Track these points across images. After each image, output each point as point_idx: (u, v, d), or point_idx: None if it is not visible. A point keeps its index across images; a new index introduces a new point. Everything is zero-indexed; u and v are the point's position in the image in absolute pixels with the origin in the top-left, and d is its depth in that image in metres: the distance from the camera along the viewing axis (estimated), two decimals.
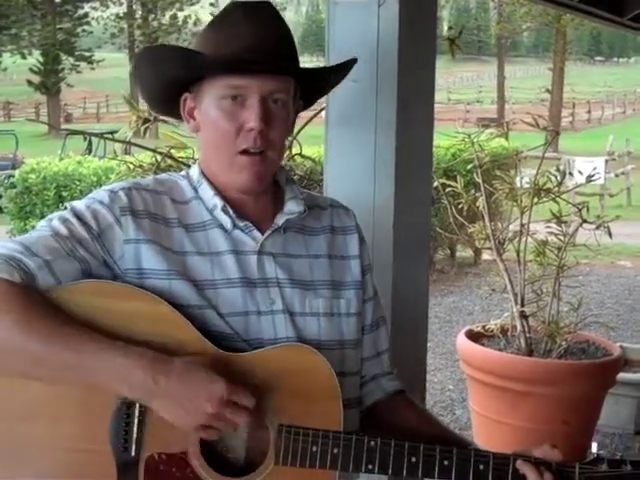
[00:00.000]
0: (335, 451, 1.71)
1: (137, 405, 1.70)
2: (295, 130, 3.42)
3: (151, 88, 1.95)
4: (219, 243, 1.85)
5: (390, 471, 1.72)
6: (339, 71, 1.99)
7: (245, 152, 1.82)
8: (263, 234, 1.88)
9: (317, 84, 1.98)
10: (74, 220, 1.78)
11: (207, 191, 1.88)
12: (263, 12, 1.86)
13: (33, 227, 1.87)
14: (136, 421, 1.70)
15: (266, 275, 1.86)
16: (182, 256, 1.82)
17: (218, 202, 1.86)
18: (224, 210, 1.85)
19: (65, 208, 1.84)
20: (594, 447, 1.70)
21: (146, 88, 1.95)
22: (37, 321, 1.65)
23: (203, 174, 1.91)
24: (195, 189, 1.91)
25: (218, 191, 1.88)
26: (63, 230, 1.76)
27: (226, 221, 1.86)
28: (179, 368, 1.65)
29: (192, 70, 1.83)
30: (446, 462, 1.72)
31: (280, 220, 1.90)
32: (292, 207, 1.92)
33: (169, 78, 1.87)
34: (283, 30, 1.88)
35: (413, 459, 1.72)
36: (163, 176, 2.00)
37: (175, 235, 1.84)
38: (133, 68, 1.93)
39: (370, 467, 1.72)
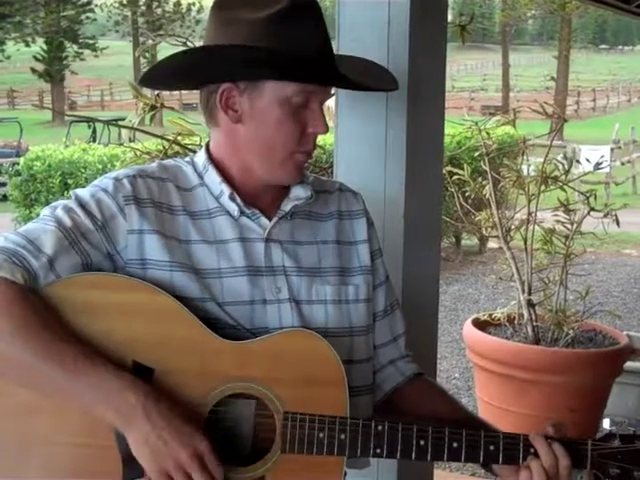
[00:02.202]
0: (342, 437, 1.70)
1: None
2: None
3: (181, 74, 1.85)
4: (225, 231, 1.84)
5: (399, 455, 1.71)
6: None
7: (300, 152, 1.83)
8: (270, 220, 1.87)
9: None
10: (78, 210, 1.77)
11: (214, 178, 1.86)
12: (314, 9, 1.80)
13: (38, 215, 1.85)
14: None
15: (273, 263, 1.85)
16: (187, 245, 1.81)
17: (225, 189, 1.84)
18: (231, 197, 1.84)
19: (69, 197, 1.82)
20: (606, 423, 1.68)
21: (171, 73, 1.85)
22: (35, 332, 1.64)
23: (211, 159, 1.88)
24: (200, 176, 1.88)
25: (225, 178, 1.86)
26: (67, 221, 1.75)
27: (233, 208, 1.84)
28: (172, 411, 1.63)
29: (261, 70, 1.76)
30: (455, 444, 1.71)
31: (287, 206, 1.89)
32: (298, 192, 1.90)
33: (221, 75, 1.79)
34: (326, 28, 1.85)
35: (422, 442, 1.71)
36: (168, 162, 1.97)
37: (180, 223, 1.82)
38: (180, 57, 1.79)
39: (378, 452, 1.71)
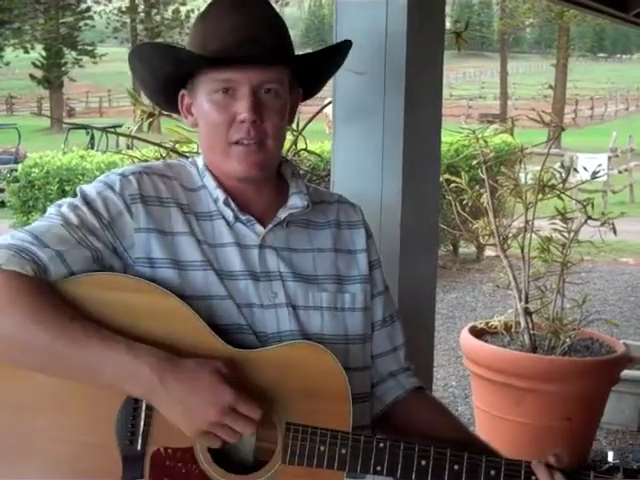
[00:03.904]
0: (343, 452, 1.70)
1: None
2: (300, 126, 3.41)
3: (149, 86, 1.95)
4: (224, 235, 1.85)
5: (399, 474, 1.70)
6: (331, 55, 1.96)
7: (238, 143, 1.81)
8: (265, 228, 1.87)
9: (314, 71, 1.95)
10: (84, 208, 1.77)
11: (210, 182, 1.89)
12: (250, 1, 1.85)
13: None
14: (143, 415, 1.69)
15: (268, 269, 1.86)
16: (197, 241, 1.82)
17: (220, 195, 1.86)
18: (226, 203, 1.85)
19: (75, 194, 1.82)
20: (610, 456, 1.65)
21: (144, 86, 1.96)
22: (46, 316, 1.64)
23: (206, 166, 1.91)
24: (202, 178, 1.91)
25: (220, 183, 1.88)
26: (73, 218, 1.75)
27: (228, 214, 1.86)
28: (187, 370, 1.63)
29: (180, 67, 1.83)
30: (456, 467, 1.70)
31: (282, 214, 1.90)
32: (295, 202, 1.92)
33: (162, 75, 1.87)
34: (270, 17, 1.86)
35: (423, 462, 1.70)
36: (173, 161, 2.01)
37: (187, 220, 1.84)
38: (129, 67, 1.92)
39: (379, 469, 1.71)
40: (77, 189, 1.84)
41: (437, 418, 1.98)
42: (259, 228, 1.87)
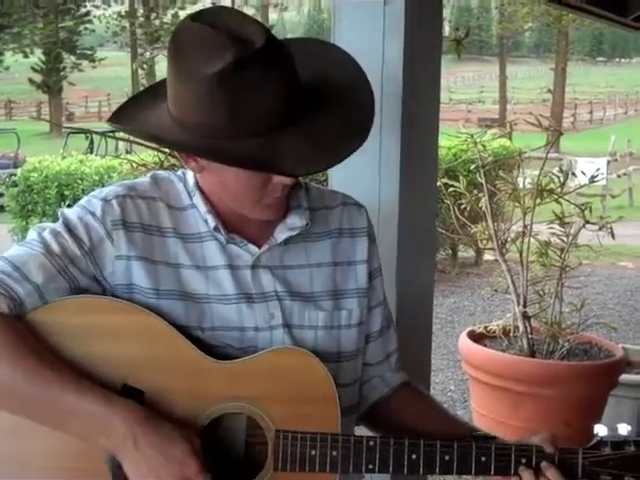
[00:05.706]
0: (334, 454, 1.70)
1: None
2: None
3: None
4: (215, 257, 1.80)
5: (391, 470, 1.71)
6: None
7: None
8: (260, 247, 1.82)
9: None
10: (66, 234, 1.75)
11: (201, 205, 1.81)
12: (263, 58, 1.62)
13: (35, 225, 1.85)
14: None
15: (264, 289, 1.81)
16: (176, 269, 1.78)
17: (210, 221, 1.79)
18: (216, 229, 1.79)
19: (57, 218, 1.80)
20: (596, 429, 1.66)
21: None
22: (22, 358, 1.63)
23: (198, 186, 1.83)
24: (190, 196, 1.84)
25: (212, 205, 1.81)
26: (54, 246, 1.73)
27: (219, 237, 1.80)
28: (161, 435, 1.62)
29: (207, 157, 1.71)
30: (447, 457, 1.71)
31: (280, 236, 1.83)
32: (294, 221, 1.84)
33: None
34: (298, 76, 1.68)
35: (414, 456, 1.70)
36: (162, 175, 1.90)
37: (169, 246, 1.79)
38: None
39: (371, 467, 1.71)
40: (59, 213, 1.81)
41: (424, 412, 1.95)
42: (253, 248, 1.81)
